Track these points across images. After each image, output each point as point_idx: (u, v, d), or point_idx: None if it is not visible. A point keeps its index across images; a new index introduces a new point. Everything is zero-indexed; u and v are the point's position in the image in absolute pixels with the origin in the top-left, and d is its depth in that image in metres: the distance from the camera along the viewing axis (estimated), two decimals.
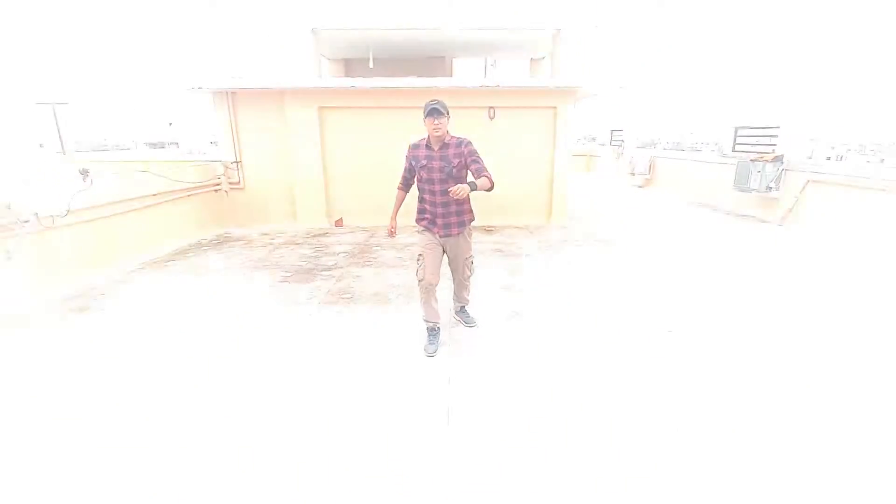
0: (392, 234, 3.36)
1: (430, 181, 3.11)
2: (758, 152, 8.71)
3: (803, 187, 7.63)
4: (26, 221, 4.10)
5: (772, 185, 8.08)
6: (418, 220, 3.31)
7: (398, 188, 3.38)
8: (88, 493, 2.05)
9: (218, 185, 7.59)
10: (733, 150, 9.72)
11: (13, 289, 4.06)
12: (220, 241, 6.77)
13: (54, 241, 4.48)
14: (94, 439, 2.40)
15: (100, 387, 2.88)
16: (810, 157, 8.13)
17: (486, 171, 3.05)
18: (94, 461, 2.24)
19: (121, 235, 5.41)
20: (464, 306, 3.69)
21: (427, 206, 3.22)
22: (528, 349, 3.32)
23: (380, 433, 2.42)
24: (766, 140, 8.91)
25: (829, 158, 8.11)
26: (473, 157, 3.08)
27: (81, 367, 3.12)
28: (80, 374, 3.02)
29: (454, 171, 3.07)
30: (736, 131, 9.78)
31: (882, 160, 7.77)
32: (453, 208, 3.17)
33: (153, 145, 11.68)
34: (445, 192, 3.05)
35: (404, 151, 3.28)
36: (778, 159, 8.07)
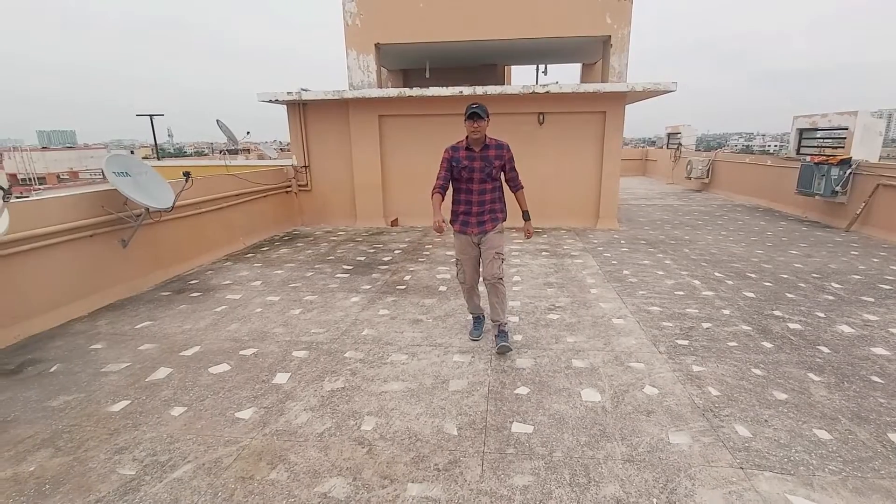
0: (441, 229, 3.06)
1: (470, 180, 3.25)
2: (824, 154, 8.33)
3: (873, 191, 7.24)
4: (139, 215, 4.89)
5: (838, 188, 7.71)
6: (453, 222, 3.42)
7: (435, 192, 3.23)
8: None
9: (289, 187, 8.38)
10: (798, 153, 9.31)
11: (127, 274, 4.86)
12: (290, 238, 7.50)
13: (161, 233, 5.30)
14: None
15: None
16: (881, 159, 7.68)
17: (519, 179, 3.48)
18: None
19: (207, 231, 6.21)
20: (501, 327, 3.41)
21: (462, 207, 3.33)
22: (552, 332, 3.60)
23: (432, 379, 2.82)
24: (834, 142, 8.49)
25: None
26: (512, 164, 3.37)
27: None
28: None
29: (493, 171, 3.26)
30: (801, 133, 9.37)
31: None
32: (487, 206, 3.31)
33: (229, 152, 12.90)
34: (484, 192, 3.27)
35: (442, 156, 3.33)
36: (845, 161, 7.70)
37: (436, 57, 9.85)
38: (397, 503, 1.98)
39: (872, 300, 4.33)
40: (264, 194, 7.65)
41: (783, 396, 2.74)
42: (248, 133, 11.45)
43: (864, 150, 7.96)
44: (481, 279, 3.46)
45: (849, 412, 2.58)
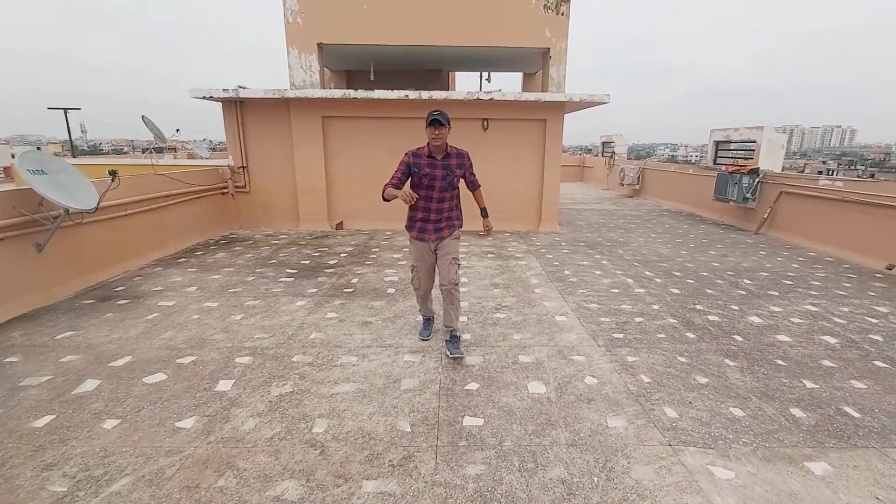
0: (412, 196, 2.95)
1: (431, 188, 3.21)
2: (736, 164, 9.24)
3: (777, 198, 8.13)
4: (56, 217, 4.49)
5: (748, 195, 8.58)
6: (410, 228, 3.37)
7: (387, 188, 3.10)
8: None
9: (225, 188, 8.00)
10: (715, 163, 10.25)
11: (43, 281, 4.44)
12: (227, 242, 7.17)
13: (82, 236, 4.88)
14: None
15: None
16: (784, 169, 8.66)
17: (476, 179, 3.52)
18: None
19: (135, 234, 5.80)
20: (453, 333, 3.39)
21: (420, 213, 3.28)
22: (493, 324, 3.75)
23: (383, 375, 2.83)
24: (745, 153, 9.44)
25: (800, 171, 8.63)
26: (472, 171, 3.44)
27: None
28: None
29: (455, 180, 3.28)
30: (717, 145, 10.32)
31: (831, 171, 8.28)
32: (445, 214, 3.31)
33: (156, 150, 12.05)
34: (443, 199, 3.26)
35: (401, 158, 3.29)
36: (754, 171, 8.59)
37: (380, 59, 9.84)
38: (353, 500, 1.99)
39: (777, 294, 4.87)
40: (198, 195, 7.25)
41: (704, 380, 3.04)
42: (177, 131, 10.77)
43: (769, 161, 8.93)
44: (436, 285, 3.49)
45: (758, 392, 2.91)
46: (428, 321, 3.78)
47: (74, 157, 11.79)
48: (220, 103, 7.88)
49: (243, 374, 3.08)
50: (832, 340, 3.71)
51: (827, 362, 3.33)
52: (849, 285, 5.20)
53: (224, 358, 3.32)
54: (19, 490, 2.03)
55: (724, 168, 9.27)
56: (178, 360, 3.27)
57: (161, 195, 6.32)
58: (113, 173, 4.78)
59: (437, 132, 3.07)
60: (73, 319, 4.00)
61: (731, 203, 9.08)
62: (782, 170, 9.35)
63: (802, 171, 35.28)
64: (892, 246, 5.95)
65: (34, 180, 4.10)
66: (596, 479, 2.13)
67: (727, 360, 3.33)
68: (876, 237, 6.20)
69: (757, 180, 8.47)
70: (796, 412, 2.70)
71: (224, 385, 2.95)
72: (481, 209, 3.57)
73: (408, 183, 3.27)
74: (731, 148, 9.99)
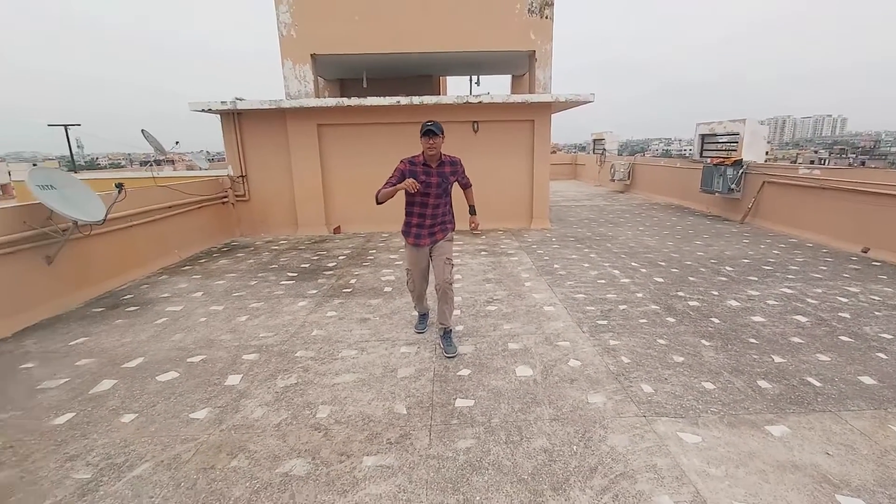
0: (414, 185, 3.05)
1: (426, 195, 3.34)
2: (721, 157, 9.48)
3: (760, 187, 8.37)
4: (65, 230, 4.70)
5: (733, 186, 8.82)
6: (406, 234, 3.50)
7: (381, 190, 3.19)
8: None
9: (225, 197, 8.22)
10: (701, 156, 10.49)
11: (54, 291, 4.64)
12: (229, 249, 7.38)
13: (90, 248, 5.09)
14: None
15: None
16: (777, 159, 8.89)
17: (469, 180, 3.69)
18: None
19: (140, 245, 6.01)
20: (447, 330, 3.55)
21: (416, 220, 3.42)
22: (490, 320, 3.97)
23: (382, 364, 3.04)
24: (729, 145, 9.68)
25: (793, 161, 8.86)
26: (464, 174, 3.58)
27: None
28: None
29: (449, 187, 3.43)
30: (703, 138, 10.56)
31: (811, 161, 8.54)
32: (440, 219, 3.45)
33: (156, 163, 12.27)
34: (438, 206, 3.40)
35: (396, 164, 3.38)
36: (738, 163, 8.84)
37: (372, 67, 10.07)
38: (355, 473, 2.20)
39: (756, 279, 5.10)
40: (199, 205, 7.47)
41: (680, 359, 3.26)
42: (177, 143, 10.96)
43: (752, 152, 9.16)
44: (431, 286, 3.63)
45: (729, 367, 3.13)
46: (423, 316, 3.99)
47: (76, 173, 11.97)
48: (219, 115, 8.10)
49: (250, 370, 3.29)
50: (803, 319, 3.94)
51: (796, 339, 3.56)
52: (825, 268, 5.43)
53: (232, 356, 3.53)
54: (43, 481, 2.22)
55: (709, 161, 9.51)
56: (188, 360, 3.47)
57: (164, 206, 6.53)
58: (119, 186, 4.99)
59: (431, 142, 3.18)
60: (85, 326, 4.20)
61: (716, 194, 9.33)
62: (765, 160, 9.59)
63: (795, 161, 35.58)
64: (866, 230, 6.18)
65: (44, 195, 4.31)
66: (575, 447, 2.34)
67: (703, 341, 3.56)
68: (852, 222, 6.43)
69: (741, 171, 8.72)
70: (763, 384, 2.92)
71: (233, 379, 3.16)
72: (470, 206, 3.73)
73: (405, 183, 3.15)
74: (716, 140, 10.23)
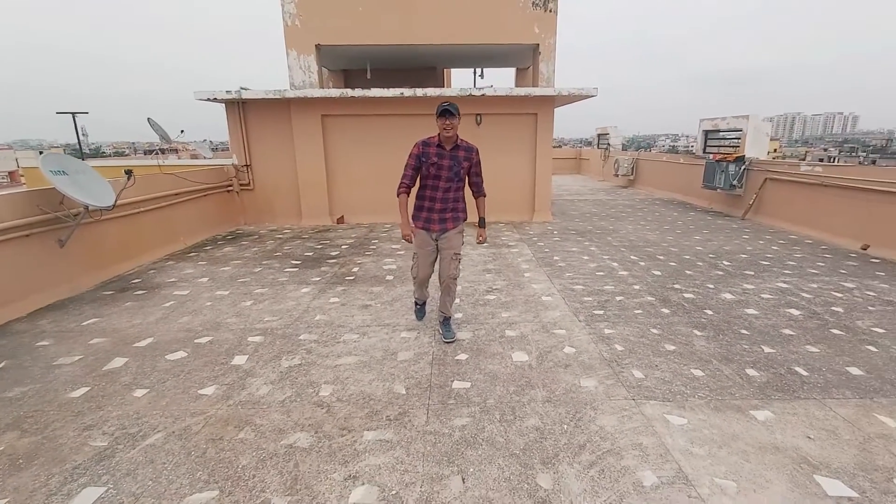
0: (409, 239, 3.33)
1: (437, 178, 3.27)
2: (723, 152, 9.50)
3: (762, 184, 8.41)
4: (76, 214, 4.82)
5: (735, 182, 8.85)
6: (415, 219, 3.43)
7: (401, 192, 3.30)
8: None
9: (229, 186, 8.33)
10: (704, 152, 10.51)
11: (66, 274, 4.77)
12: (234, 237, 7.50)
13: (100, 233, 5.22)
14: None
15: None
16: (785, 157, 8.91)
17: (483, 186, 3.51)
18: None
19: (147, 231, 6.13)
20: (447, 318, 3.63)
21: (427, 203, 3.35)
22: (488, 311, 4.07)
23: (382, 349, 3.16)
24: (732, 142, 9.70)
25: (801, 158, 8.89)
26: (478, 169, 3.41)
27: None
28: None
29: (461, 171, 3.30)
30: (706, 134, 10.58)
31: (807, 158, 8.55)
32: (450, 205, 3.36)
33: (161, 151, 12.39)
34: (448, 190, 3.30)
35: (403, 157, 3.46)
36: (740, 159, 8.86)
37: (376, 58, 10.12)
38: (356, 446, 2.32)
39: (752, 273, 5.17)
40: (205, 193, 7.59)
41: (672, 348, 3.36)
42: (181, 132, 11.07)
43: (755, 149, 9.19)
44: (435, 275, 3.59)
45: (719, 356, 3.23)
46: (421, 307, 3.95)
47: (84, 161, 12.05)
48: (224, 104, 8.19)
49: (256, 351, 3.41)
50: (796, 312, 4.02)
51: (787, 331, 3.64)
52: (822, 264, 5.50)
53: (237, 338, 3.65)
54: (63, 447, 2.36)
55: (711, 157, 9.54)
56: (196, 341, 3.60)
57: (170, 193, 6.65)
58: (129, 172, 5.11)
59: (447, 122, 3.11)
60: (97, 308, 4.34)
61: (718, 190, 9.36)
62: (768, 156, 9.60)
63: (803, 159, 35.38)
64: (867, 227, 6.23)
65: (57, 180, 4.42)
66: (566, 426, 2.45)
67: (695, 331, 3.65)
68: (852, 219, 6.48)
69: (743, 168, 8.74)
70: (751, 372, 3.01)
71: (239, 360, 3.28)
72: (480, 219, 3.57)
73: (408, 220, 3.36)
74: (720, 137, 10.25)
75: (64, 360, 3.29)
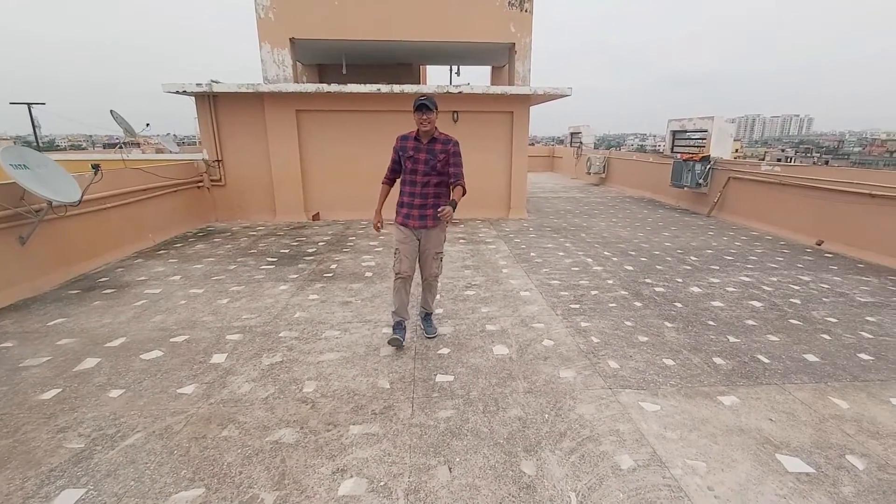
0: (378, 228, 3.38)
1: (415, 171, 3.23)
2: (689, 152, 9.87)
3: (726, 183, 8.79)
4: (38, 210, 4.61)
5: (701, 181, 9.22)
6: (396, 214, 3.38)
7: (383, 182, 3.44)
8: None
9: (200, 181, 8.10)
10: (672, 151, 10.88)
11: (28, 273, 4.56)
12: (205, 234, 7.31)
13: (64, 229, 5.01)
14: None
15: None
16: (745, 157, 9.33)
17: (462, 178, 3.27)
18: None
19: (115, 227, 5.92)
20: (428, 314, 3.68)
21: (406, 198, 3.30)
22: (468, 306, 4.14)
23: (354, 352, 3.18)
24: (698, 142, 10.09)
25: (760, 158, 9.32)
26: (456, 160, 3.25)
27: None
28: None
29: (438, 165, 3.19)
30: (674, 134, 10.96)
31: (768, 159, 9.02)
32: (430, 200, 3.27)
33: (123, 145, 11.88)
34: (427, 184, 3.23)
35: (382, 152, 3.58)
36: (706, 158, 9.23)
37: (352, 53, 10.02)
38: (342, 441, 2.34)
39: (718, 268, 5.43)
40: (174, 189, 7.36)
41: (645, 339, 3.51)
42: (147, 125, 10.66)
43: (719, 149, 9.59)
44: (417, 274, 3.46)
45: (688, 346, 3.39)
46: (399, 323, 3.40)
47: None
48: (194, 98, 7.96)
49: (235, 349, 3.37)
50: (758, 304, 4.26)
51: (750, 321, 3.86)
52: (781, 259, 5.82)
53: (215, 336, 3.59)
54: (37, 450, 2.29)
55: (678, 156, 9.90)
56: (171, 340, 3.52)
57: (138, 189, 6.43)
58: (96, 167, 4.92)
59: (424, 117, 3.08)
60: (62, 308, 4.17)
61: (685, 188, 9.73)
62: (731, 156, 10.03)
63: (763, 159, 36.97)
64: (821, 223, 6.62)
65: (17, 174, 4.22)
66: (547, 415, 2.54)
67: (666, 323, 3.82)
68: (808, 216, 6.87)
69: (708, 167, 9.11)
70: (718, 360, 3.18)
71: (218, 358, 3.23)
72: (451, 200, 3.16)
73: (381, 211, 3.41)
74: (686, 137, 10.64)
75: (31, 362, 3.17)
